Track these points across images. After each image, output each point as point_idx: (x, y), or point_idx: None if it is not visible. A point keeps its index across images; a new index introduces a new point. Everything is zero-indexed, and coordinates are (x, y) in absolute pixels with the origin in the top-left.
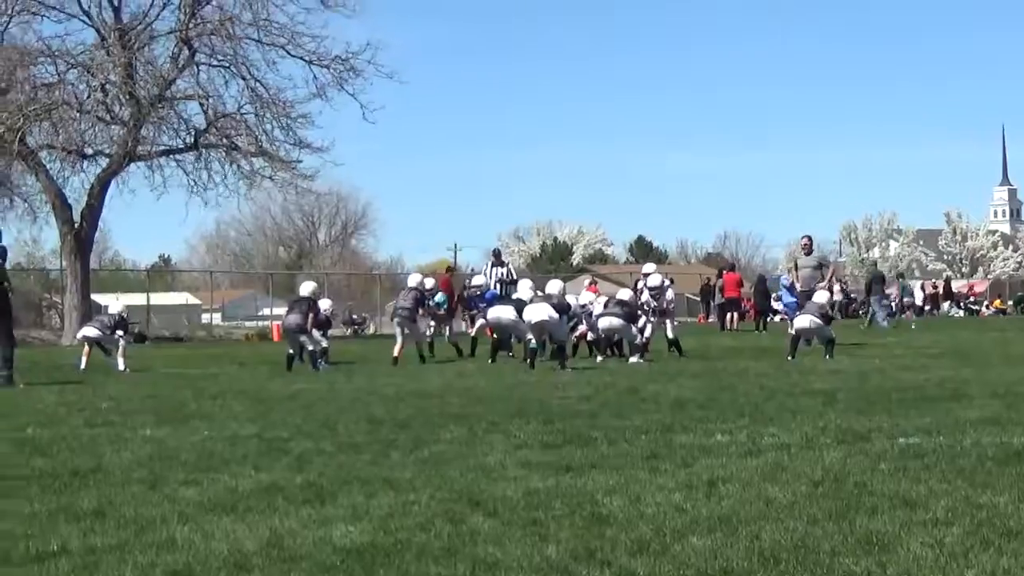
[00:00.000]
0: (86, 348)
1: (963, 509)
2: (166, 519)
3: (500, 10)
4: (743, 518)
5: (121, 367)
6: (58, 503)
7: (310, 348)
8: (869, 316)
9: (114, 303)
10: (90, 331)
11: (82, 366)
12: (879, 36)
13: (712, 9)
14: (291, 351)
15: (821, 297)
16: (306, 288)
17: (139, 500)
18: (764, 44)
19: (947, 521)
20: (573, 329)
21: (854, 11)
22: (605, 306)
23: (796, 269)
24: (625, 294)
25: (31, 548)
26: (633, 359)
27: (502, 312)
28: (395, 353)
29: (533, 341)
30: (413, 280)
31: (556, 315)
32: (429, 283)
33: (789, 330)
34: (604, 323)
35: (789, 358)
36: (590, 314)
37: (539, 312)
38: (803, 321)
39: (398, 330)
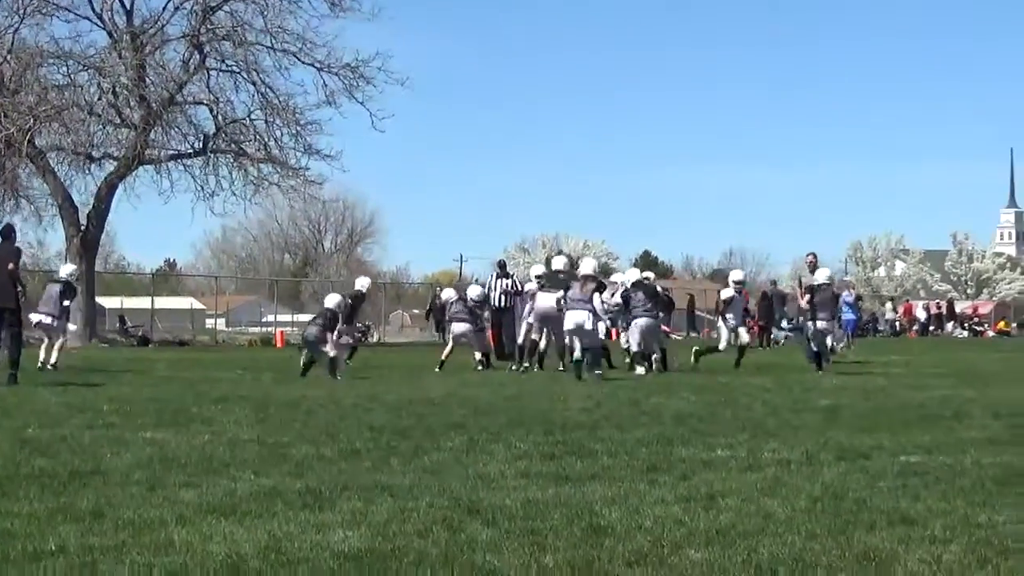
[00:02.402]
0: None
1: (961, 527)
2: (164, 521)
3: (511, 21)
4: (741, 532)
5: (72, 329)
6: (57, 503)
7: (331, 355)
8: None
9: (64, 266)
10: (35, 316)
11: (41, 357)
12: (889, 56)
13: (723, 25)
14: (306, 359)
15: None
16: (331, 300)
17: (138, 501)
18: (774, 61)
19: (945, 539)
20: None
21: (864, 30)
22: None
23: (801, 287)
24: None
25: (29, 547)
26: (639, 370)
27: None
28: (443, 357)
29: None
30: (473, 292)
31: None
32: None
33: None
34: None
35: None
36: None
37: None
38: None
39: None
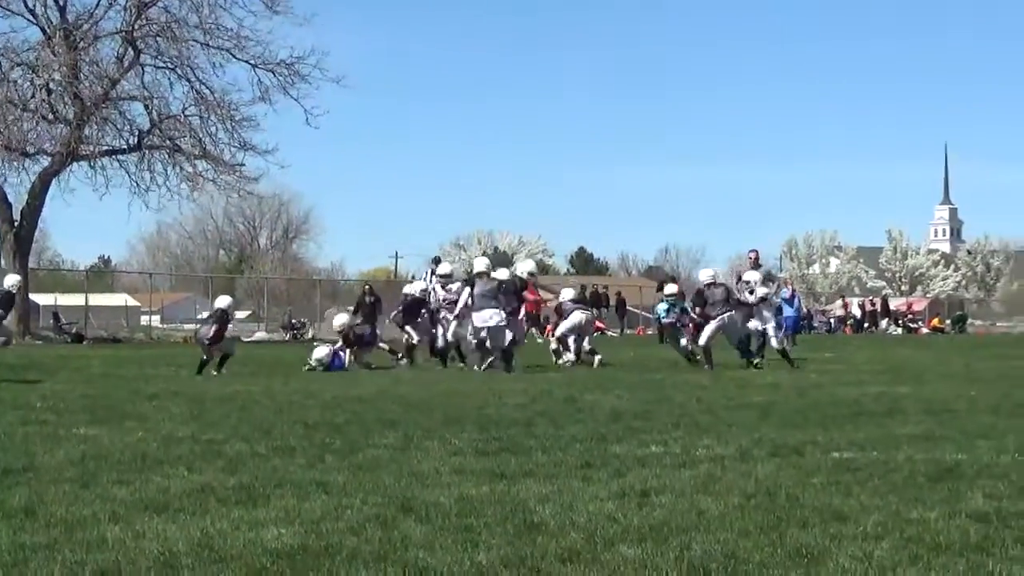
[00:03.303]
0: None
1: (893, 524)
2: (97, 518)
3: (448, 16)
4: (674, 528)
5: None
6: None
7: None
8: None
9: (8, 276)
10: None
11: None
12: (822, 53)
13: (658, 22)
14: (204, 357)
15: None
16: (222, 302)
17: (70, 499)
18: (709, 60)
19: (877, 535)
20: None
21: (799, 28)
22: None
23: (740, 282)
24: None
25: None
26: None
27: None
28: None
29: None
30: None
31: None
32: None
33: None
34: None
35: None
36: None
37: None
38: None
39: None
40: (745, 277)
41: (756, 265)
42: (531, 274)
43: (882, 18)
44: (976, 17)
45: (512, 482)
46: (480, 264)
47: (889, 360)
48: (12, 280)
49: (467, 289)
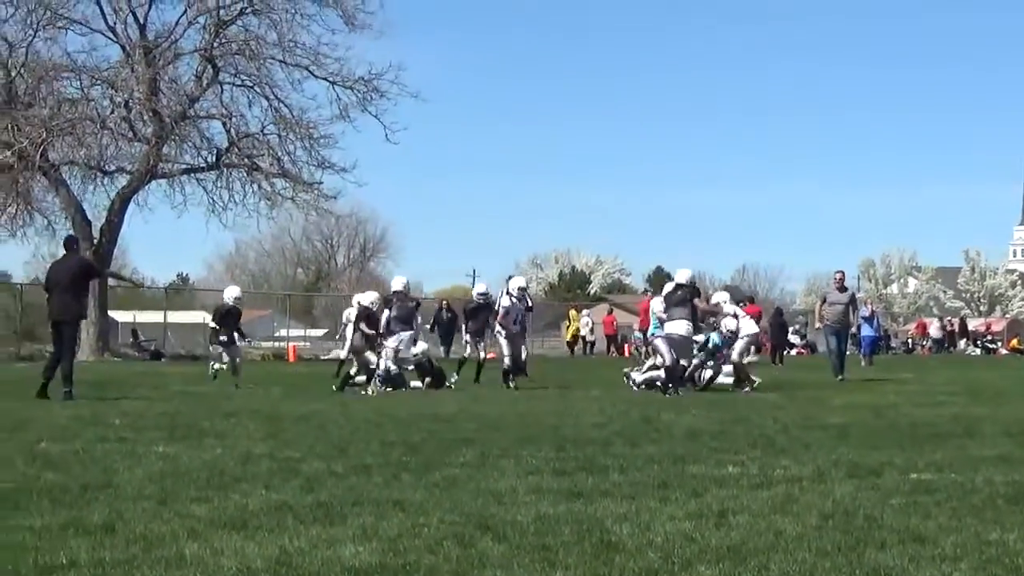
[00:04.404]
0: None
1: (972, 545)
2: (176, 535)
3: (526, 35)
4: (752, 549)
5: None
6: (68, 517)
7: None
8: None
9: (229, 290)
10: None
11: None
12: (902, 72)
13: (733, 42)
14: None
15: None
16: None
17: (149, 516)
18: (784, 78)
19: (955, 557)
20: None
21: (876, 45)
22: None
23: (824, 303)
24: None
25: (40, 561)
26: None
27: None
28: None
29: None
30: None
31: None
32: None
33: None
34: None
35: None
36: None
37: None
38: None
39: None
40: (714, 299)
41: (842, 287)
42: (521, 290)
43: (960, 36)
44: None
45: (589, 501)
46: (397, 284)
47: (967, 381)
48: (232, 293)
49: (386, 311)
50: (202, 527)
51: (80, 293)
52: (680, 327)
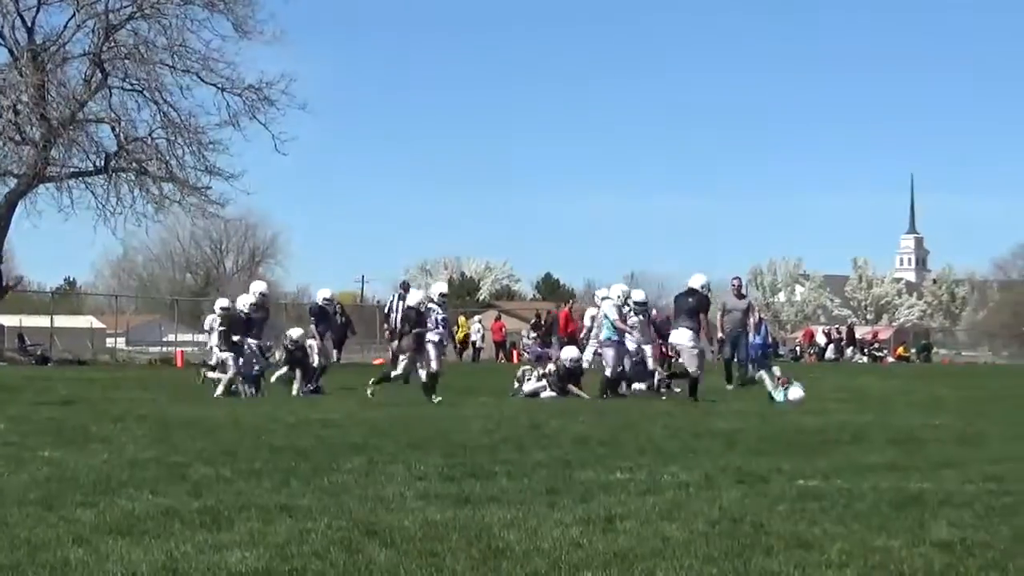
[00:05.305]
0: None
1: (858, 552)
2: (61, 540)
3: (414, 45)
4: (639, 555)
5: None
6: None
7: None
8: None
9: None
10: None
11: None
12: (791, 82)
13: (622, 48)
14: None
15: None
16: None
17: (34, 520)
18: (675, 85)
19: (841, 563)
20: None
21: (766, 54)
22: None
23: (724, 311)
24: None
25: None
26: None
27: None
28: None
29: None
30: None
31: None
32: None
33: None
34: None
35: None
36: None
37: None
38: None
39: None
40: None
41: (739, 294)
42: (442, 295)
43: (850, 49)
44: (943, 50)
45: (477, 507)
46: (324, 293)
47: (854, 388)
48: (325, 293)
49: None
50: (88, 532)
51: None
52: (683, 336)
